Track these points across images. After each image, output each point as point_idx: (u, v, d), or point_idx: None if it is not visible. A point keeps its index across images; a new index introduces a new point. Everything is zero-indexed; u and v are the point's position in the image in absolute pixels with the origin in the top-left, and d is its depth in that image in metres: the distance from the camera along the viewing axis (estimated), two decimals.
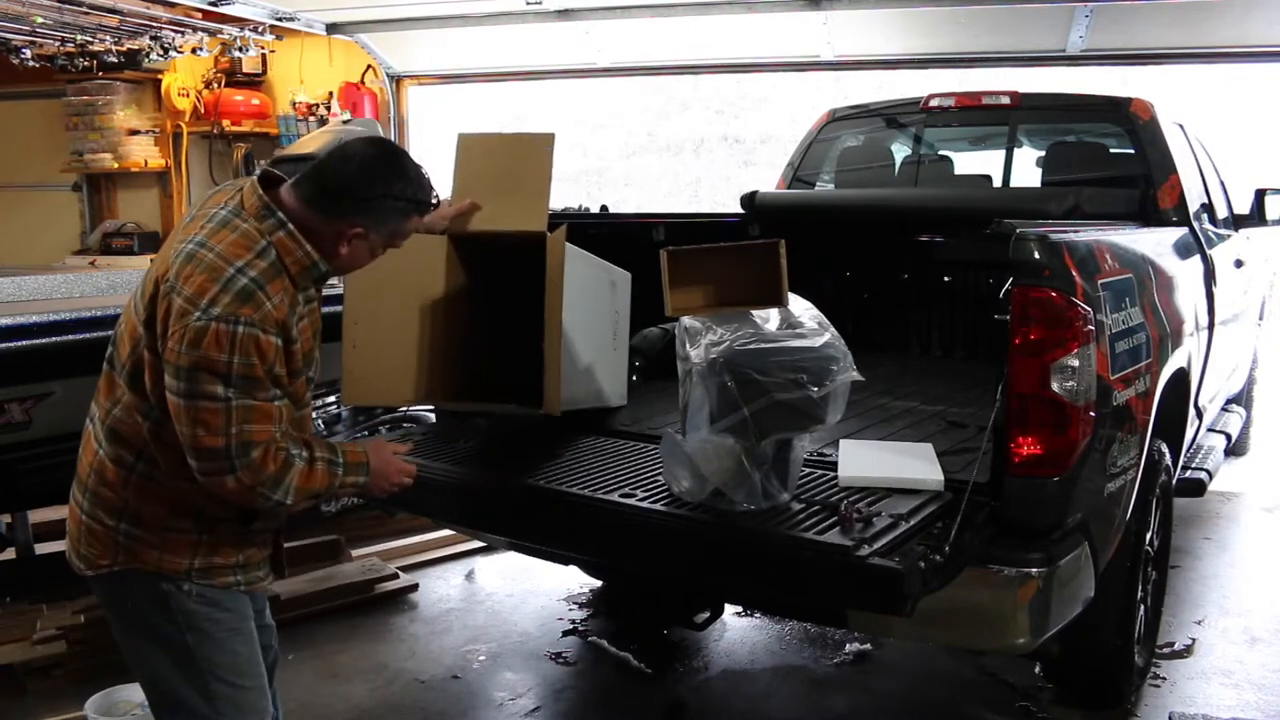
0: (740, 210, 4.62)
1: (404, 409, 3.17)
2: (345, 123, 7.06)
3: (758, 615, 3.97)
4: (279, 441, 1.88)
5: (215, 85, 8.20)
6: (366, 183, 1.94)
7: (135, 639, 2.04)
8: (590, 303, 2.97)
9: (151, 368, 1.88)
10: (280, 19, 6.84)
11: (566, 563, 3.65)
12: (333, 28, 7.24)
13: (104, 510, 1.96)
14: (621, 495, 2.51)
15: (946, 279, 4.65)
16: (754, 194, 4.64)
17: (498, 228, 2.51)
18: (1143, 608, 3.22)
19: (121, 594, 2.01)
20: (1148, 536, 3.17)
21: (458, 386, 2.75)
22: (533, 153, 2.51)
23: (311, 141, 6.17)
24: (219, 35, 7.16)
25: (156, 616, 1.98)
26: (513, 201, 2.49)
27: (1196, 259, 3.89)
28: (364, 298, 2.54)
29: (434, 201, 2.15)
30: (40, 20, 6.42)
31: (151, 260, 2.01)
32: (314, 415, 2.59)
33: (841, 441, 2.83)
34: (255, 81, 8.34)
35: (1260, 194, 4.76)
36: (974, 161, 5.11)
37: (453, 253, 2.68)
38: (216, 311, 1.79)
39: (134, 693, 2.98)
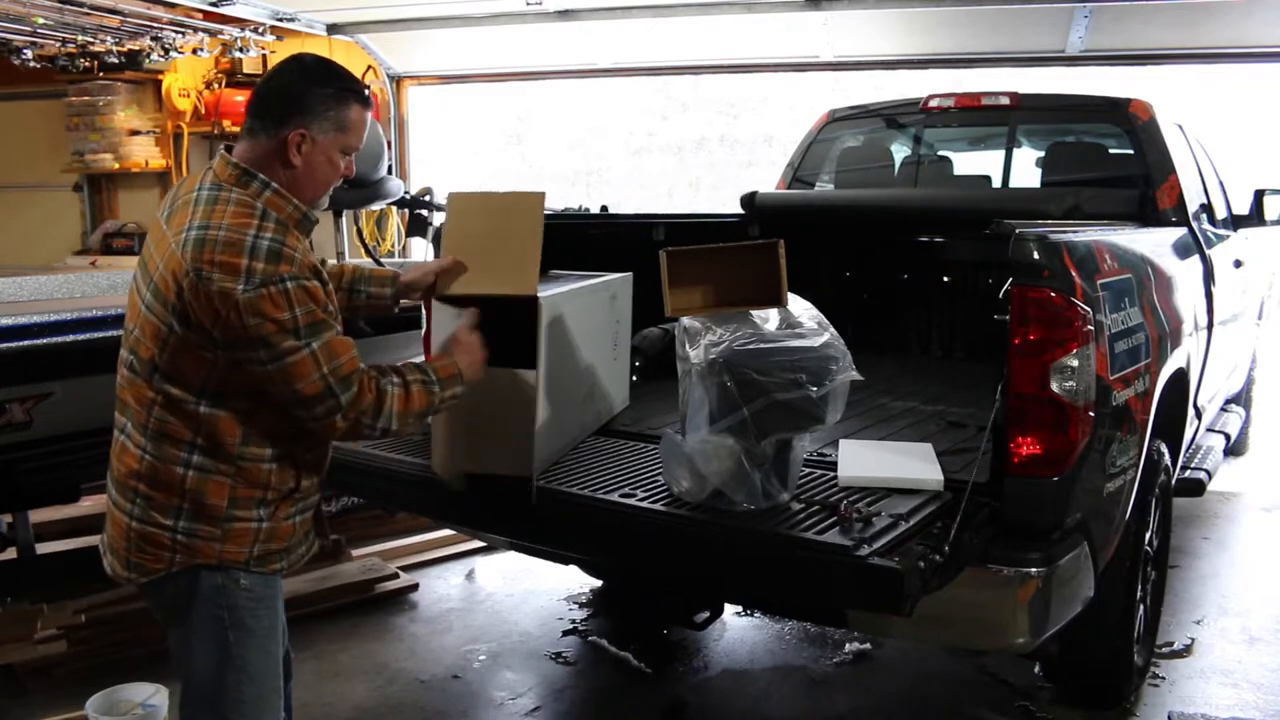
0: (740, 210, 4.63)
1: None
2: None
3: (758, 615, 3.98)
4: (369, 372, 1.97)
5: (216, 86, 8.20)
6: (288, 83, 1.99)
7: (184, 638, 2.02)
8: (589, 329, 2.95)
9: (196, 358, 1.88)
10: (280, 19, 6.84)
11: (566, 563, 3.65)
12: (333, 28, 7.24)
13: (159, 511, 1.95)
14: (621, 495, 2.51)
15: (946, 279, 4.65)
16: (754, 194, 4.64)
17: (486, 291, 2.47)
18: (1142, 607, 3.22)
19: (175, 595, 1.99)
20: (1147, 536, 3.17)
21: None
22: (524, 212, 2.47)
23: None
24: (219, 36, 7.16)
25: (206, 613, 1.98)
26: (502, 263, 2.46)
27: (1195, 259, 3.89)
28: None
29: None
30: (41, 21, 6.43)
31: (141, 260, 2.00)
32: None
33: (841, 441, 2.83)
34: (256, 82, 8.32)
35: (1259, 194, 4.76)
36: (973, 162, 5.12)
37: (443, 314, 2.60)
38: (258, 279, 1.82)
39: (134, 692, 2.99)
